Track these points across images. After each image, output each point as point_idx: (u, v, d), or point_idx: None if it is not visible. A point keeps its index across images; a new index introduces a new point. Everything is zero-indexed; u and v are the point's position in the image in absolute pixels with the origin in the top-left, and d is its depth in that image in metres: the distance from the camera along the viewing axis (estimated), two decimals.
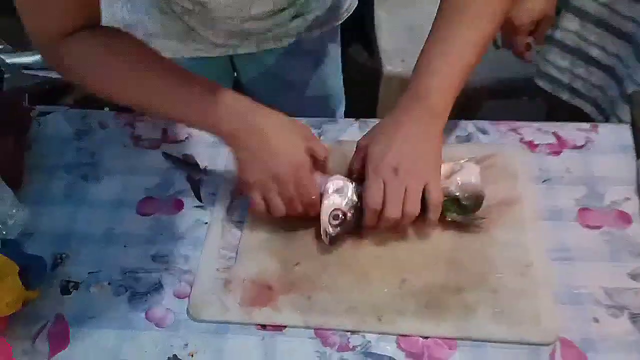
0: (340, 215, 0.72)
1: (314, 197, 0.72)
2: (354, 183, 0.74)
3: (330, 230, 0.72)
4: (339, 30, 1.06)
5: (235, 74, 1.10)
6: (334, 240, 0.73)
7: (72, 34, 0.71)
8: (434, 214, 0.71)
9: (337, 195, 0.73)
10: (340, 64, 1.13)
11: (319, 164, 0.75)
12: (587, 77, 1.06)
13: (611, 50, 1.01)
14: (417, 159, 0.70)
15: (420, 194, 0.70)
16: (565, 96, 1.11)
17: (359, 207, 0.73)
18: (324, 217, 0.72)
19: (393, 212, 0.69)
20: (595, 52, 1.03)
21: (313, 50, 1.04)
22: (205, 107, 0.70)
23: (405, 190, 0.69)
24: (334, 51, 1.08)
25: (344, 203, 0.73)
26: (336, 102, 1.16)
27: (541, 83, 1.14)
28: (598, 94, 1.06)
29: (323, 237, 0.72)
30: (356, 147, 0.76)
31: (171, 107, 0.72)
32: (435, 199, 0.70)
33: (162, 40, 0.88)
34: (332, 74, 1.12)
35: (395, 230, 0.73)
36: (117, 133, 0.92)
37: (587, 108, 1.08)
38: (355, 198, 0.73)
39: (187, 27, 0.84)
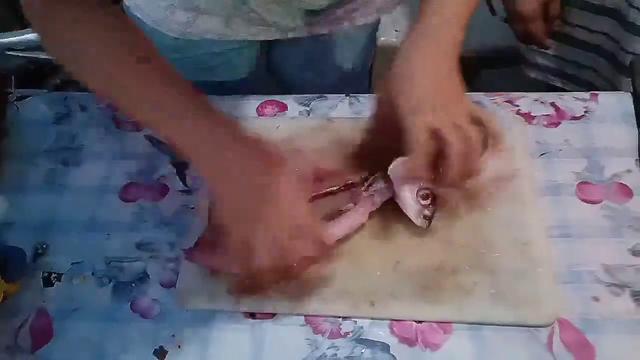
0: (428, 194, 0.69)
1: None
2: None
3: (426, 211, 0.68)
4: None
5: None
6: (431, 220, 0.69)
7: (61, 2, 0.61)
8: (499, 144, 0.65)
9: (410, 177, 0.68)
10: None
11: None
12: (576, 59, 1.02)
13: (595, 28, 0.97)
14: (449, 95, 0.64)
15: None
16: (558, 83, 1.08)
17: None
18: (410, 202, 0.69)
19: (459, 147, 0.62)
20: (578, 33, 1.00)
21: (358, 36, 0.99)
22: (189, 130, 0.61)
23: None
24: (373, 35, 1.03)
25: (422, 180, 0.69)
26: (362, 81, 1.12)
27: (532, 73, 1.10)
28: (591, 75, 1.02)
29: (418, 222, 0.69)
30: (375, 106, 0.70)
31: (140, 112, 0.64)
32: (494, 127, 0.65)
33: (207, 16, 0.82)
34: (366, 58, 1.06)
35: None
36: (98, 116, 0.88)
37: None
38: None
39: (240, 1, 0.78)
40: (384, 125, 0.69)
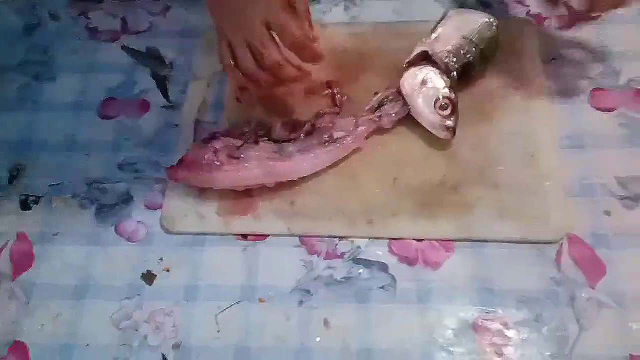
0: (447, 103, 0.65)
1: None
2: (428, 65, 0.67)
3: (449, 122, 0.65)
4: None
5: None
6: (455, 130, 0.65)
7: None
8: None
9: (425, 87, 0.66)
10: None
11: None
12: None
13: None
14: None
15: None
16: None
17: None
18: (428, 114, 0.65)
19: None
20: None
21: None
22: None
23: None
24: None
25: (441, 89, 0.66)
26: None
27: None
28: None
29: (442, 134, 0.65)
30: None
31: None
32: None
33: None
34: None
35: None
36: (70, 25, 0.81)
37: None
38: (442, 81, 0.66)
39: None
40: None
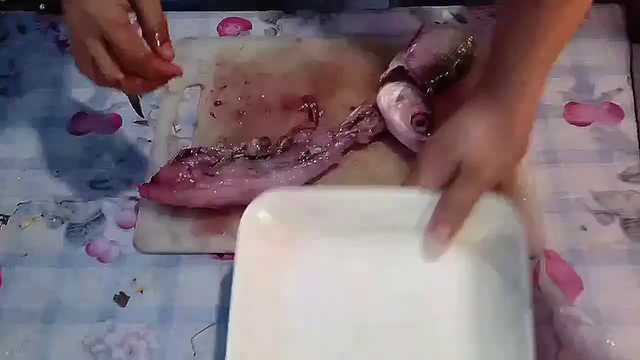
0: (424, 119, 0.65)
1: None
2: (404, 81, 0.67)
3: (425, 138, 0.63)
4: None
5: None
6: None
7: None
8: None
9: (401, 103, 0.65)
10: None
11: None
12: None
13: None
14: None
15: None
16: None
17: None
18: (405, 130, 0.65)
19: None
20: None
21: None
22: None
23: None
24: None
25: (417, 105, 0.65)
26: None
27: None
28: None
29: (416, 148, 0.64)
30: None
31: None
32: None
33: None
34: None
35: None
36: (39, 38, 0.79)
37: None
38: (419, 97, 0.66)
39: None
40: None
